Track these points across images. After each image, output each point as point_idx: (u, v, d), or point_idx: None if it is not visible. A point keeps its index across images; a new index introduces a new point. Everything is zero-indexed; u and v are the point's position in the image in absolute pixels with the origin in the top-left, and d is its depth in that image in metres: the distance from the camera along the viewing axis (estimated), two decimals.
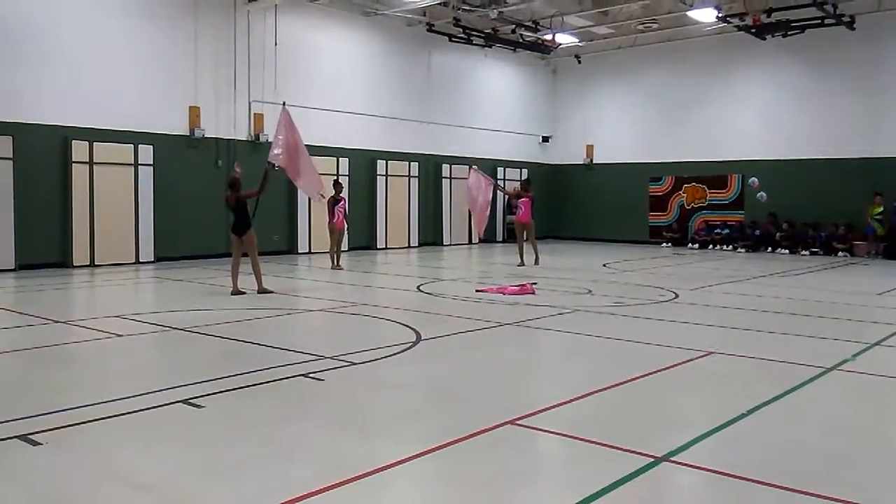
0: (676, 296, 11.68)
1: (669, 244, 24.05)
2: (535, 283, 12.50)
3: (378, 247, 21.33)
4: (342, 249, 16.29)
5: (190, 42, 17.13)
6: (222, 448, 4.55)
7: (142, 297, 12.35)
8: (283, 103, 12.71)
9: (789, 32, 19.57)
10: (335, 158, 20.02)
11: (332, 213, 15.48)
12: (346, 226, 16.00)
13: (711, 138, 23.54)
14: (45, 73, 14.83)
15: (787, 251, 21.19)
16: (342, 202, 15.68)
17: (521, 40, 21.68)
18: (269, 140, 12.93)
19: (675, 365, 6.84)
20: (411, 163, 22.26)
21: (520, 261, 16.55)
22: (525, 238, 16.87)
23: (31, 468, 4.19)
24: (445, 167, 23.19)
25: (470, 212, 17.32)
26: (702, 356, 7.22)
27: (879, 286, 13.61)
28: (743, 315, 9.98)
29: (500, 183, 22.08)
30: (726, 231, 23.00)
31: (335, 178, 17.37)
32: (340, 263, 15.73)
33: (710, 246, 22.96)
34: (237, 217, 11.52)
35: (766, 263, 18.20)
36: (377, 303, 10.94)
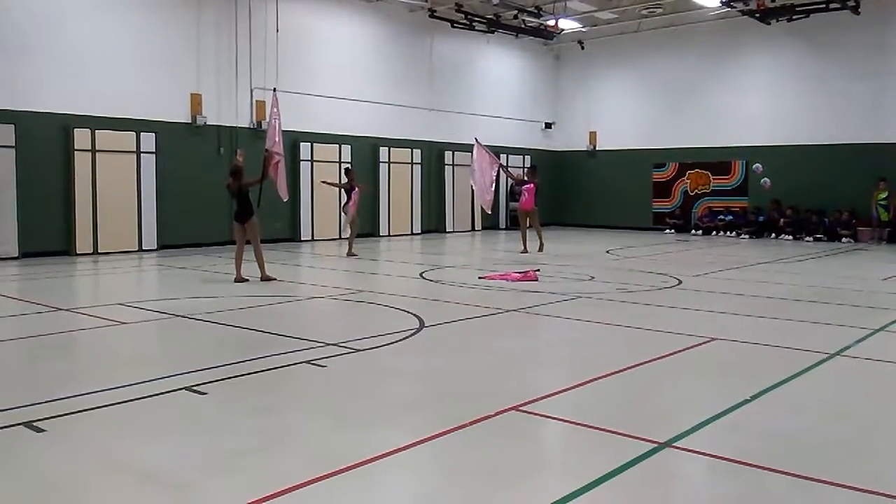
0: (680, 282, 11.67)
1: (673, 230, 24.01)
2: (538, 270, 12.49)
3: (381, 234, 21.32)
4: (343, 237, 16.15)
5: (192, 29, 17.07)
6: (225, 435, 4.56)
7: (145, 285, 12.37)
8: (274, 89, 12.74)
9: (794, 17, 19.42)
10: (337, 146, 19.99)
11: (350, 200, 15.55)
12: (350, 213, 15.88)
13: (715, 124, 23.43)
14: (48, 62, 14.79)
15: (790, 237, 21.15)
16: (355, 190, 15.60)
17: (523, 26, 21.55)
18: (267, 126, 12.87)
19: (678, 351, 6.83)
20: (414, 150, 22.21)
21: (523, 248, 16.53)
22: (528, 225, 16.85)
23: (35, 455, 4.20)
24: (448, 154, 23.14)
25: (473, 187, 17.12)
26: (705, 342, 7.21)
27: (883, 272, 13.57)
28: (746, 301, 9.97)
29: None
30: (730, 217, 22.95)
31: (348, 165, 17.61)
32: (353, 251, 15.67)
33: (714, 232, 22.93)
34: (240, 204, 11.50)
35: (770, 250, 18.17)
36: (380, 290, 10.94)
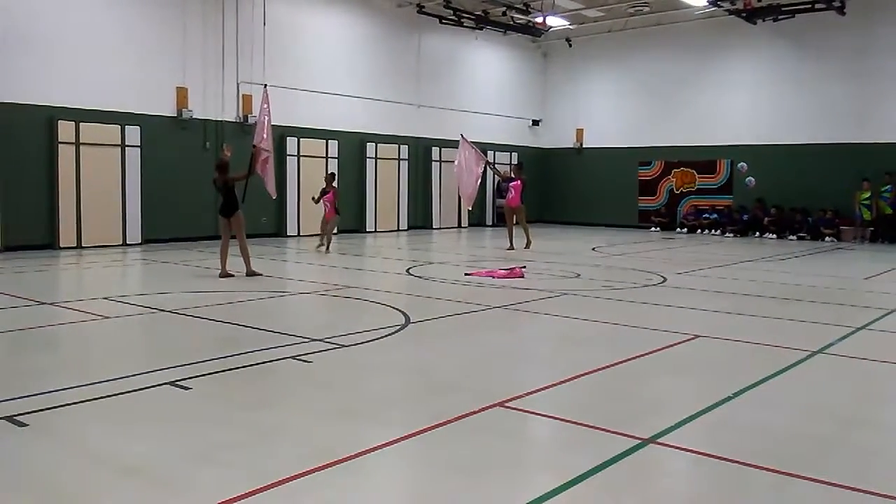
0: (664, 280, 11.73)
1: (658, 228, 24.12)
2: (524, 267, 12.52)
3: (367, 230, 21.29)
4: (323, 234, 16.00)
5: (178, 22, 16.95)
6: (209, 430, 4.55)
7: (129, 279, 12.29)
8: (265, 86, 12.66)
9: (780, 17, 19.57)
10: (324, 141, 19.94)
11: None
12: (333, 216, 15.73)
13: (701, 123, 23.56)
14: (31, 53, 14.65)
15: (774, 236, 21.31)
16: (329, 193, 15.56)
17: (511, 23, 21.57)
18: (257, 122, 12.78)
19: (662, 348, 6.87)
20: (401, 146, 22.18)
21: (509, 244, 16.56)
22: (515, 222, 16.87)
23: (16, 450, 4.17)
24: (435, 150, 23.13)
25: (458, 183, 17.01)
26: (688, 339, 7.26)
27: (866, 271, 13.71)
28: (729, 299, 10.04)
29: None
30: (715, 216, 23.09)
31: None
32: (323, 244, 15.62)
33: (699, 230, 23.05)
34: (225, 199, 11.45)
35: (754, 248, 18.30)
36: (366, 286, 10.93)
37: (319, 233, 15.98)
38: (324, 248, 15.52)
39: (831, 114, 21.12)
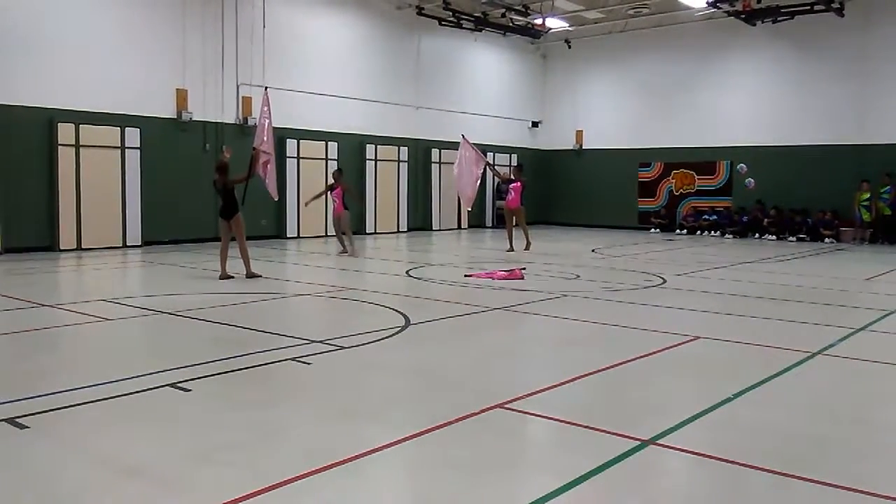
0: (664, 281, 11.73)
1: (658, 230, 24.13)
2: (523, 269, 12.52)
3: (367, 231, 21.29)
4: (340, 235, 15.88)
5: (178, 23, 16.96)
6: (210, 431, 4.55)
7: (129, 281, 12.29)
8: (266, 88, 12.67)
9: (779, 18, 19.61)
10: (324, 143, 19.94)
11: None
12: (342, 212, 15.42)
13: (701, 124, 23.58)
14: (31, 55, 14.65)
15: (774, 237, 21.32)
16: (336, 190, 15.41)
17: (511, 24, 21.60)
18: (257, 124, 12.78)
19: (662, 349, 6.87)
20: (401, 147, 22.19)
21: (509, 246, 16.56)
22: (514, 223, 16.87)
23: (17, 451, 4.17)
24: (435, 152, 23.14)
25: (457, 183, 16.88)
26: (688, 341, 7.26)
27: (865, 272, 13.71)
28: (729, 300, 10.04)
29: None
30: (714, 217, 23.10)
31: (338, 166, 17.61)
32: (346, 249, 15.42)
33: (699, 232, 23.06)
34: (225, 201, 11.46)
35: (754, 249, 18.30)
36: (366, 287, 10.93)
37: (335, 234, 15.89)
38: (347, 251, 15.26)
39: (830, 115, 21.14)
